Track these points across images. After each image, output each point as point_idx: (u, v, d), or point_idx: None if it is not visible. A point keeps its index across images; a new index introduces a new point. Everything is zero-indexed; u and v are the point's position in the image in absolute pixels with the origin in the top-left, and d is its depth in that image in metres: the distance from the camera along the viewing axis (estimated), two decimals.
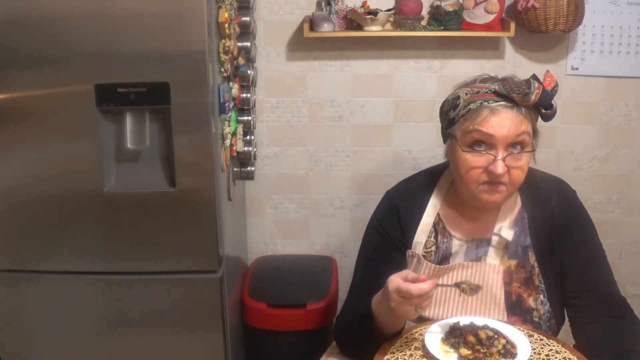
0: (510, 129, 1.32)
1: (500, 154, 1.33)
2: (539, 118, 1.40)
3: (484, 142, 1.35)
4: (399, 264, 1.47)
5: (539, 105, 1.34)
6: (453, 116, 1.39)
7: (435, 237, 1.49)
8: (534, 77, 1.36)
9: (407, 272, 1.24)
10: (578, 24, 2.15)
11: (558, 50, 2.29)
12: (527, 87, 1.32)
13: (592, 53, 2.29)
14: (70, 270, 1.78)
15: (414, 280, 1.20)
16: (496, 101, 1.34)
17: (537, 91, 1.32)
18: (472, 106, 1.35)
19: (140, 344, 1.85)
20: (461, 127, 1.37)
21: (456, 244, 1.48)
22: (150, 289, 1.80)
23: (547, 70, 1.41)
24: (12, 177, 1.71)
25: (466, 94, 1.37)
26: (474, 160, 1.36)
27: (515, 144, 1.34)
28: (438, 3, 2.18)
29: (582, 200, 1.52)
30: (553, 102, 1.36)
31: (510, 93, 1.32)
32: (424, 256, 1.48)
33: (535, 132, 1.39)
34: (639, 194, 2.44)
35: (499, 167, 1.32)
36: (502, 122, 1.32)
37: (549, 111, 1.36)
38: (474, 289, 1.30)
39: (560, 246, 1.44)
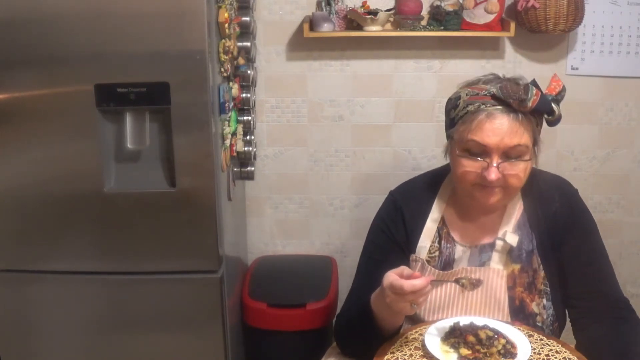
0: (505, 136, 1.30)
1: (495, 161, 1.32)
2: (544, 122, 1.38)
3: (478, 149, 1.34)
4: (402, 265, 1.46)
5: (537, 111, 1.31)
6: (453, 116, 1.39)
7: (439, 242, 1.48)
8: (534, 82, 1.33)
9: (403, 268, 1.23)
10: (578, 24, 2.15)
11: (558, 50, 2.29)
12: (525, 93, 1.29)
13: (592, 53, 2.28)
14: (70, 270, 1.79)
15: (409, 277, 1.20)
16: (493, 105, 1.31)
17: (535, 97, 1.29)
18: (470, 108, 1.33)
19: (140, 344, 1.85)
20: (459, 131, 1.36)
21: (459, 250, 1.47)
22: (150, 289, 1.80)
23: (555, 74, 1.37)
24: (12, 177, 1.71)
25: (466, 95, 1.36)
26: (469, 164, 1.35)
27: (511, 153, 1.32)
28: (438, 3, 2.18)
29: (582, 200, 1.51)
30: (555, 108, 1.33)
31: (507, 98, 1.29)
32: (428, 261, 1.47)
33: (536, 140, 1.35)
34: (639, 194, 2.44)
35: (492, 174, 1.31)
36: (497, 128, 1.30)
37: (550, 117, 1.34)
38: (474, 284, 1.28)
39: (561, 246, 1.43)
